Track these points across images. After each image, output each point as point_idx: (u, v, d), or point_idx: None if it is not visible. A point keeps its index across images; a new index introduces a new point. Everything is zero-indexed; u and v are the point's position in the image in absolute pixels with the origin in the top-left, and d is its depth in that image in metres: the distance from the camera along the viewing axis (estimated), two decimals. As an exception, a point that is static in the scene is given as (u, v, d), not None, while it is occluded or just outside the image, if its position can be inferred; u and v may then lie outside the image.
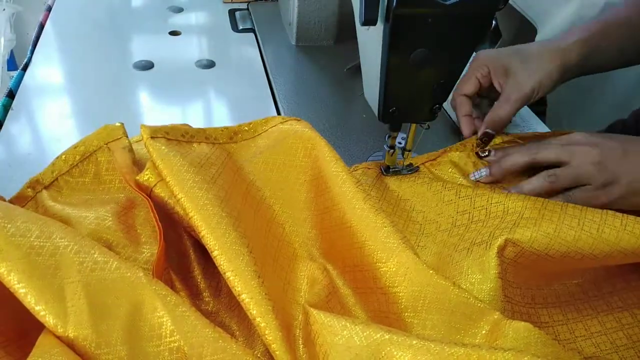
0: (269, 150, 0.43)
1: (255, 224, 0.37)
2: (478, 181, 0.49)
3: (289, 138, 0.44)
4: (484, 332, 0.32)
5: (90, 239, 0.32)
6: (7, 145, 0.51)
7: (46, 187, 0.40)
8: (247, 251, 0.32)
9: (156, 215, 0.36)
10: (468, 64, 0.53)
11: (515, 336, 0.31)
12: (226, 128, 0.44)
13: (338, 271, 0.39)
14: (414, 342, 0.27)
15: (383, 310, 0.35)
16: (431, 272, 0.34)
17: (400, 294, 0.34)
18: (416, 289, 0.34)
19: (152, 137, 0.38)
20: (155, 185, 0.37)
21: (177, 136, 0.40)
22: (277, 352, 0.29)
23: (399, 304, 0.34)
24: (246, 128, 0.46)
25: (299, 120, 0.46)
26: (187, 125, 0.43)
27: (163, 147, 0.37)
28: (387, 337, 0.28)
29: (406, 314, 0.34)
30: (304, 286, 0.36)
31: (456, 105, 0.53)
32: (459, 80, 0.53)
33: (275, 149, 0.43)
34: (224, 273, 0.31)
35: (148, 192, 0.37)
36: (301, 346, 0.31)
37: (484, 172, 0.48)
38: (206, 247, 0.32)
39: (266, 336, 0.29)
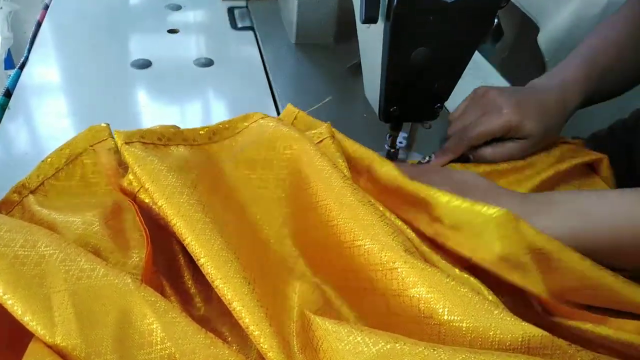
0: (249, 147, 0.42)
1: (240, 229, 0.36)
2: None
3: (268, 132, 0.43)
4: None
5: (76, 246, 0.31)
6: (4, 144, 0.51)
7: (32, 192, 0.39)
8: (235, 257, 0.31)
9: (142, 219, 0.35)
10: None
11: None
12: (204, 128, 0.43)
13: (327, 272, 0.37)
14: (421, 349, 0.26)
15: (382, 313, 0.34)
16: (429, 269, 0.32)
17: (401, 297, 0.32)
18: (414, 291, 0.32)
19: (126, 143, 0.37)
20: (139, 190, 0.36)
21: (154, 139, 0.39)
22: None
23: (401, 306, 0.32)
24: (226, 126, 0.44)
25: (279, 119, 0.45)
26: (166, 126, 0.42)
27: (139, 152, 0.36)
28: (395, 344, 0.27)
29: (410, 316, 0.32)
30: (292, 292, 0.35)
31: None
32: None
33: (256, 145, 0.42)
34: (213, 281, 0.30)
35: (133, 196, 0.36)
36: (297, 352, 0.30)
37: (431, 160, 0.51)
38: (192, 254, 0.31)
39: (261, 344, 0.28)
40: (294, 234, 0.39)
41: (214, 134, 0.44)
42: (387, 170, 0.40)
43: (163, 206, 0.33)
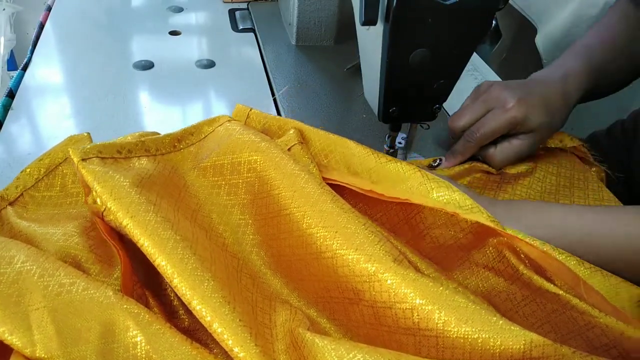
0: (215, 152, 0.40)
1: (212, 244, 0.34)
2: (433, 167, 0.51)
3: (235, 137, 0.41)
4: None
5: (55, 259, 0.30)
6: (7, 145, 0.51)
7: (11, 204, 0.39)
8: (211, 276, 0.29)
9: (110, 237, 0.33)
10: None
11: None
12: (169, 135, 0.41)
13: (305, 285, 0.35)
14: None
15: (371, 324, 0.32)
16: (421, 280, 0.30)
17: (393, 310, 0.30)
18: (407, 302, 0.30)
19: (83, 160, 0.34)
20: (105, 209, 0.33)
21: (113, 153, 0.37)
22: None
23: (394, 317, 0.30)
24: (192, 131, 0.43)
25: (245, 123, 0.43)
26: (127, 137, 0.40)
27: (98, 168, 0.34)
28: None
29: (404, 328, 0.30)
30: (272, 310, 0.33)
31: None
32: None
33: (223, 150, 0.40)
34: (189, 303, 0.27)
35: (100, 215, 0.34)
36: None
37: (441, 163, 0.51)
38: (164, 276, 0.29)
39: None
40: (268, 245, 0.38)
41: (179, 141, 0.42)
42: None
43: (128, 226, 0.30)
